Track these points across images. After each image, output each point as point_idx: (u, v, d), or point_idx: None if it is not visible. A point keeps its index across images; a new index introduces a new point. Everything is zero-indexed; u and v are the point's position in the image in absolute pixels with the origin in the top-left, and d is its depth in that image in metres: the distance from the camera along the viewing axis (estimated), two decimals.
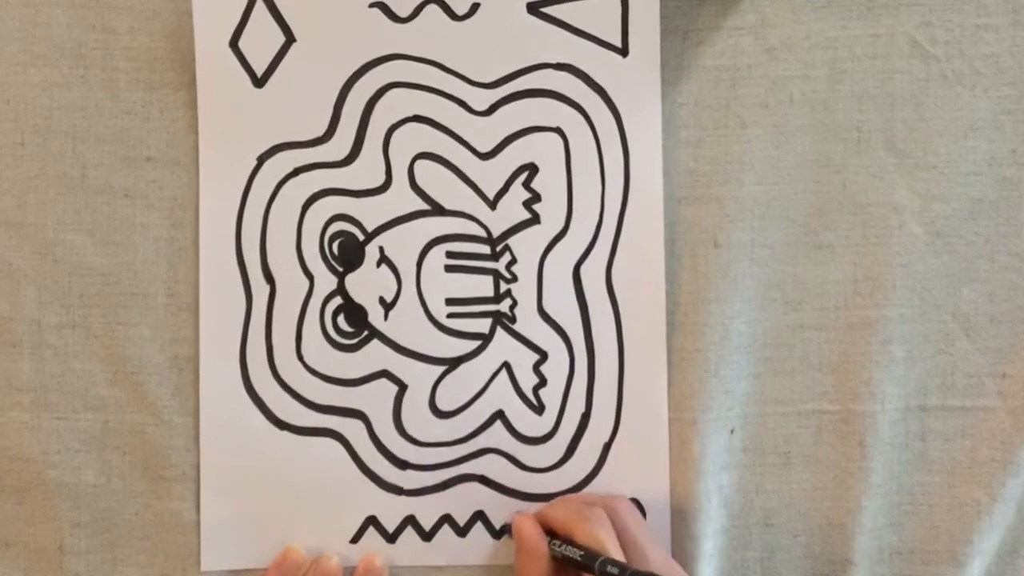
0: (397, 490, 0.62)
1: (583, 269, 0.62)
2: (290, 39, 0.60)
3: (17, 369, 0.62)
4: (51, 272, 0.62)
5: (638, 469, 0.61)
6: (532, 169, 0.61)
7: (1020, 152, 0.63)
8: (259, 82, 0.61)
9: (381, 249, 0.61)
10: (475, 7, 0.60)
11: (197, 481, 0.62)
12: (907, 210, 0.63)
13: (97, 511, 0.62)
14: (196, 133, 0.61)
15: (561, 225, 0.62)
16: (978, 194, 0.62)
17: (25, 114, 0.62)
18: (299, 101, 0.61)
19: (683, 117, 0.62)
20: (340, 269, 0.62)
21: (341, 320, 0.62)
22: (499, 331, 0.62)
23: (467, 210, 0.62)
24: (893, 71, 0.62)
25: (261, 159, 0.61)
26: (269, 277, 0.61)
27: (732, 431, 0.63)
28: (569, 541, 0.57)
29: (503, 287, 0.62)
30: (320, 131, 0.61)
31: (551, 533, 0.59)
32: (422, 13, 0.60)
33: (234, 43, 0.60)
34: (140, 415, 0.62)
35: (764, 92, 0.63)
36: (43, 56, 0.62)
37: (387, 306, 0.61)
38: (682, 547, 0.62)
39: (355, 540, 0.61)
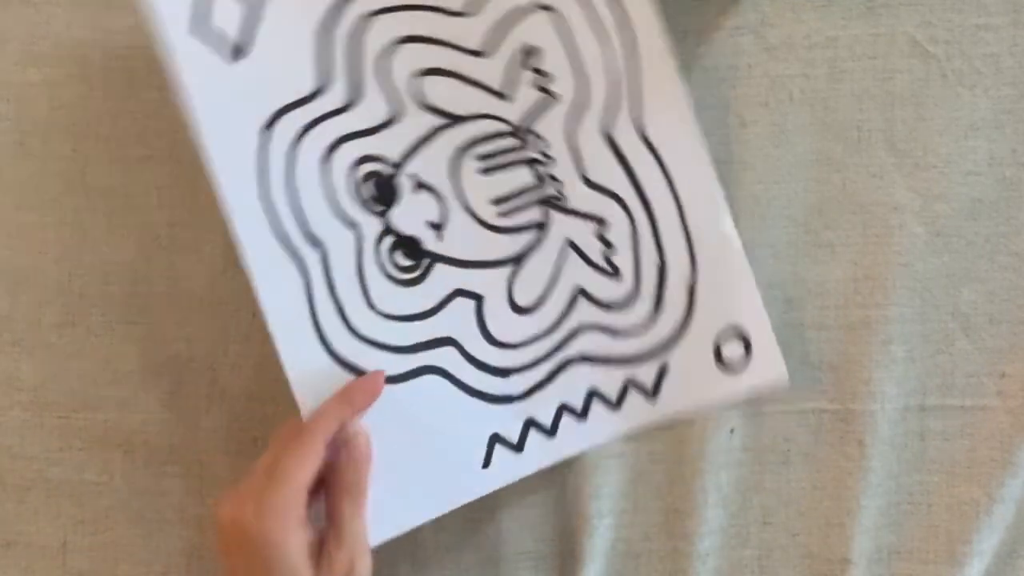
0: (508, 399, 0.61)
1: (615, 131, 0.60)
2: (253, 6, 0.57)
3: (18, 368, 0.62)
4: (51, 272, 0.62)
5: (729, 298, 0.60)
6: (533, 51, 0.60)
7: (1020, 152, 0.62)
8: (235, 56, 0.57)
9: (414, 176, 0.60)
10: None
11: (200, 478, 0.62)
12: (907, 210, 0.62)
13: (99, 509, 0.62)
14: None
15: (579, 96, 0.60)
16: (978, 194, 0.62)
17: (25, 114, 0.62)
18: (282, 62, 0.58)
19: None
20: (380, 209, 0.61)
21: (399, 256, 0.60)
22: (553, 213, 0.61)
23: (483, 110, 0.60)
24: (893, 71, 0.62)
25: (266, 129, 0.58)
26: (315, 240, 0.59)
27: (732, 430, 0.63)
28: None
29: (542, 171, 0.61)
30: (315, 84, 0.58)
31: None
32: None
33: (195, 28, 0.56)
34: (141, 414, 0.62)
35: (764, 91, 0.62)
36: (43, 56, 0.62)
37: (437, 228, 0.60)
38: (679, 545, 0.62)
39: (486, 465, 0.60)
